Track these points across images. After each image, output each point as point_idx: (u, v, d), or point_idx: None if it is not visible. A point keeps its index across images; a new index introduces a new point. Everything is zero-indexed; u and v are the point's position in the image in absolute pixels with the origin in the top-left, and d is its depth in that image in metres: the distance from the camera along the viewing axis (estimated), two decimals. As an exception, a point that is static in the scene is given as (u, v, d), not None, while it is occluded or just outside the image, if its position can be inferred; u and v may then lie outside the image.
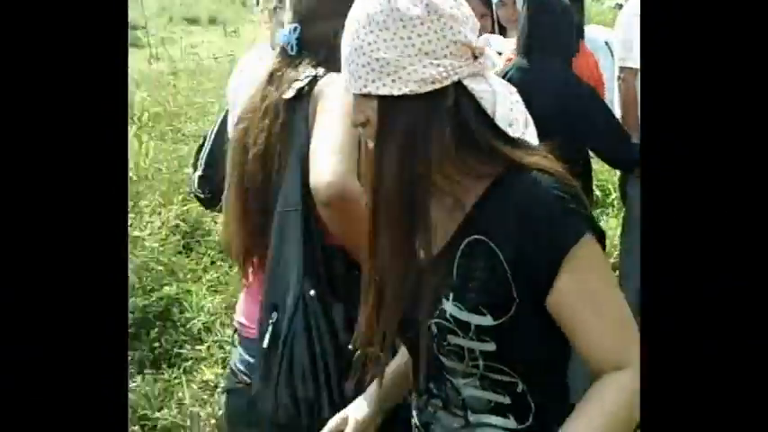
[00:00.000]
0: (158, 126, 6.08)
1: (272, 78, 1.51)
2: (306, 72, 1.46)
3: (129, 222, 3.68)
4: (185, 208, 4.63)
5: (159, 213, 4.36)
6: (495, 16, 3.21)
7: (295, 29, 1.47)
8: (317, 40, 1.47)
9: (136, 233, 3.67)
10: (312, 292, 1.39)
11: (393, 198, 0.95)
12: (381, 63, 0.91)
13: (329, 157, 1.32)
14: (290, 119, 1.46)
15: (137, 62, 12.71)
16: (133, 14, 19.85)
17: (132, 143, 4.03)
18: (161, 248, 3.89)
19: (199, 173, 2.84)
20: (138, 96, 4.87)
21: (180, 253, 4.23)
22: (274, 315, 1.43)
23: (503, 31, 3.24)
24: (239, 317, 1.70)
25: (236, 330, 1.71)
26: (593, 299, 0.95)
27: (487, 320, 0.96)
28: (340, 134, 1.33)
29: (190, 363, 3.23)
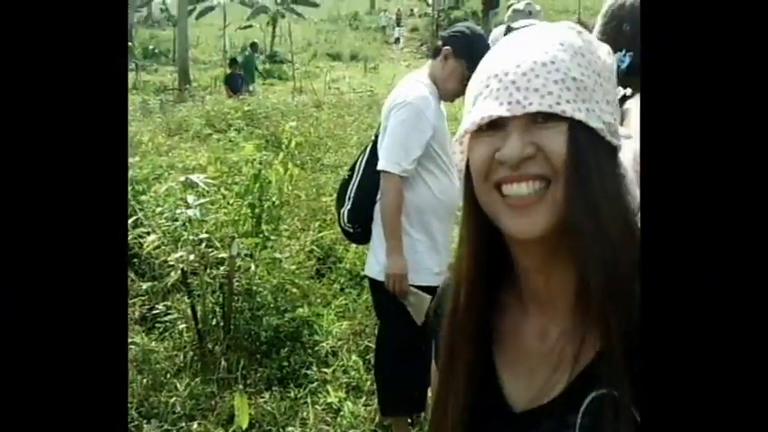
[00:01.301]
0: (300, 155, 6.38)
1: None
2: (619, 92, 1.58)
3: (270, 245, 3.87)
4: (320, 234, 4.81)
5: (297, 238, 4.56)
6: None
7: (631, 55, 1.56)
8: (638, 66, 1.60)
9: (276, 255, 3.84)
10: None
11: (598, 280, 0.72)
12: (578, 84, 0.73)
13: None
14: None
15: (282, 94, 13.48)
16: (281, 49, 21.02)
17: (278, 169, 4.24)
18: (297, 271, 4.06)
19: (348, 207, 2.84)
20: (287, 126, 5.14)
21: (312, 278, 4.39)
22: None
23: None
24: None
25: None
26: None
27: None
28: None
29: (315, 384, 3.33)
